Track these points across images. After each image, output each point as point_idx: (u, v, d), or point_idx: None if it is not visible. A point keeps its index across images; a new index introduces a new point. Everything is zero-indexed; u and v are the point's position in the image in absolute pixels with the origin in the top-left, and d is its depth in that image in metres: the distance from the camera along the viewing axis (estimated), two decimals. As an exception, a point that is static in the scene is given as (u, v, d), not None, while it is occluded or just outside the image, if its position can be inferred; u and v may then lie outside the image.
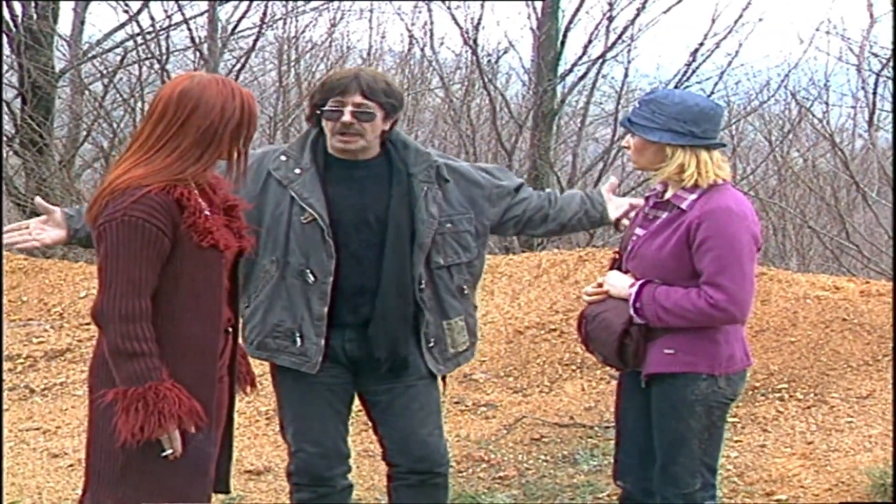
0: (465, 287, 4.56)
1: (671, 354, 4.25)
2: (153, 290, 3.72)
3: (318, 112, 4.39)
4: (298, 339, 4.46)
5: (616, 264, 4.51)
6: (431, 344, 4.48)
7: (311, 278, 4.40)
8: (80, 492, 4.12)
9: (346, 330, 4.46)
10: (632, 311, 4.26)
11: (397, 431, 4.59)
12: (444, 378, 4.64)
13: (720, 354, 4.29)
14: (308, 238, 4.37)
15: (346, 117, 4.31)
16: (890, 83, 13.67)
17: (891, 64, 13.43)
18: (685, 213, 4.26)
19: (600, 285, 4.49)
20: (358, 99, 4.31)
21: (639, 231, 4.44)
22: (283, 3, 14.84)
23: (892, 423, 6.40)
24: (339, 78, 4.43)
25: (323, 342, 4.43)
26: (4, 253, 9.97)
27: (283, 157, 4.46)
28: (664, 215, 4.36)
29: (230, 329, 4.00)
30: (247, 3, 14.04)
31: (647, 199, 4.60)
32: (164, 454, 3.74)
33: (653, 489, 4.53)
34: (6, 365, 8.24)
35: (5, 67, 14.50)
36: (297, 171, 4.41)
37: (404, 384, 4.52)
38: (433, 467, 4.61)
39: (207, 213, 3.85)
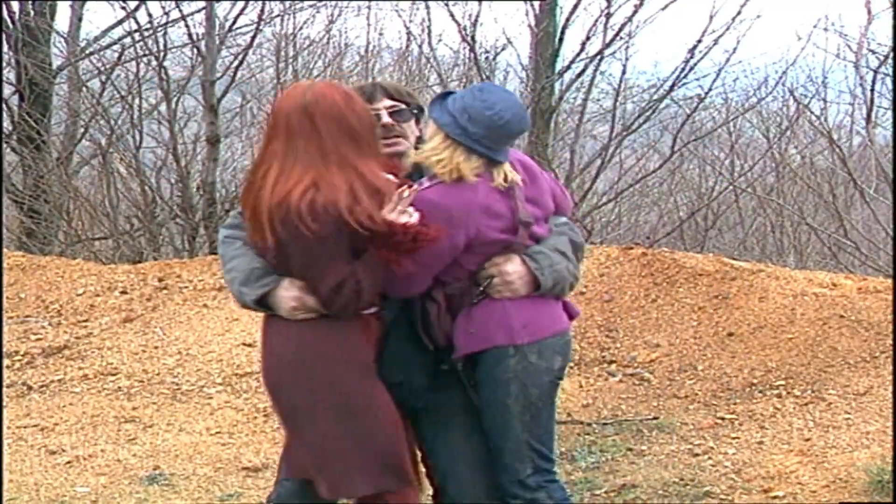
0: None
1: (472, 334, 4.25)
2: None
3: None
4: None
5: None
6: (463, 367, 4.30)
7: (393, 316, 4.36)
8: (78, 489, 4.15)
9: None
10: None
11: (437, 471, 4.38)
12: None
13: (514, 324, 4.29)
14: None
15: (386, 119, 4.25)
16: (888, 80, 13.66)
17: (889, 61, 13.42)
18: None
19: None
20: (388, 102, 4.28)
21: None
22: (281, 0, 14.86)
23: (889, 420, 6.41)
24: (359, 87, 4.35)
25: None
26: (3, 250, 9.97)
27: None
28: None
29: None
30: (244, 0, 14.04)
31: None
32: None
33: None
34: (3, 362, 8.25)
35: (3, 64, 14.52)
36: None
37: (441, 419, 4.34)
38: None
39: None
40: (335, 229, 3.79)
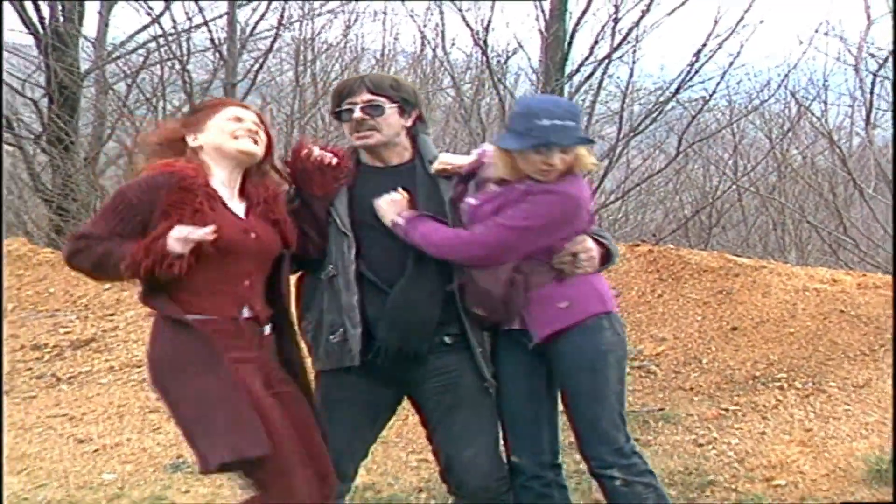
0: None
1: (565, 308, 4.30)
2: None
3: (338, 119, 4.44)
4: (343, 332, 4.42)
5: None
6: (481, 349, 4.33)
7: (333, 273, 4.37)
8: (104, 475, 4.17)
9: (378, 322, 4.32)
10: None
11: (444, 454, 4.42)
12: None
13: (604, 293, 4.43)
14: (335, 237, 4.37)
15: (357, 114, 4.31)
16: (887, 83, 13.63)
17: (889, 63, 13.40)
18: None
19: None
20: (366, 97, 4.33)
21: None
22: (300, 5, 14.87)
23: (887, 412, 6.40)
24: (346, 81, 4.50)
25: (360, 331, 4.35)
26: (32, 246, 9.99)
27: None
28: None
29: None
30: (265, 5, 14.06)
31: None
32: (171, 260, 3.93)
33: (549, 461, 4.54)
34: (34, 354, 8.27)
35: (33, 68, 14.54)
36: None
37: (452, 398, 4.35)
38: (478, 492, 4.36)
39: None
40: None
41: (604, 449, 4.40)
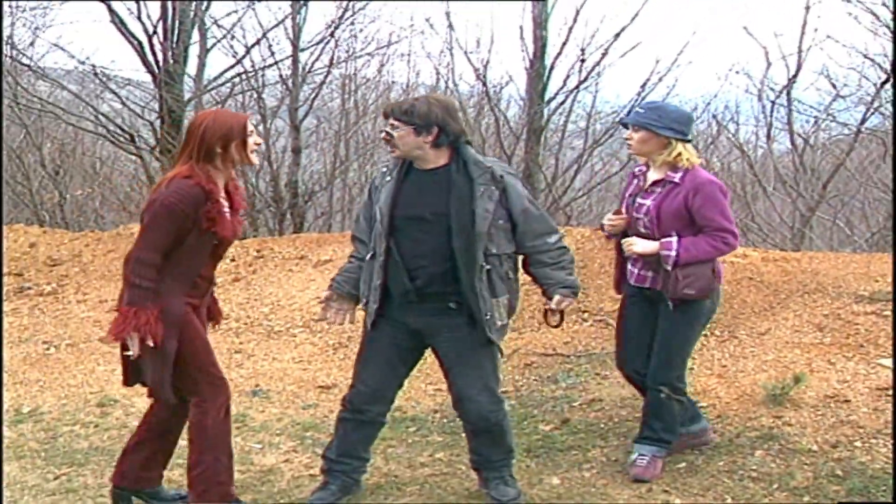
0: (510, 272, 4.37)
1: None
2: (165, 249, 3.99)
3: None
4: (367, 302, 4.45)
5: (624, 218, 4.79)
6: (488, 316, 4.27)
7: (371, 256, 4.39)
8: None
9: (404, 298, 4.33)
10: (672, 256, 4.51)
11: (454, 390, 4.45)
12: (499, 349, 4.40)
13: (715, 279, 4.64)
14: (377, 229, 4.35)
15: (383, 135, 4.33)
16: (782, 109, 13.64)
17: (784, 95, 13.43)
18: (678, 186, 4.57)
19: (618, 212, 4.83)
20: (390, 120, 4.30)
21: (641, 201, 4.70)
22: (346, 49, 14.82)
23: (782, 352, 6.39)
24: (384, 108, 4.48)
25: (375, 306, 4.37)
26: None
27: (383, 170, 4.48)
28: (660, 189, 4.63)
29: (211, 283, 4.30)
30: (320, 48, 14.05)
31: (635, 175, 4.87)
32: (126, 353, 4.03)
33: (641, 373, 4.85)
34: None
35: (149, 98, 14.52)
36: (388, 178, 4.39)
37: (460, 350, 4.35)
38: (479, 420, 4.44)
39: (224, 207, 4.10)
40: None
41: (671, 375, 4.78)
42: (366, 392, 4.52)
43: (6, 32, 12.68)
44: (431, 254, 4.25)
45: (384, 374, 4.50)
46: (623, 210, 4.81)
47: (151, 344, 3.94)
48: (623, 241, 4.74)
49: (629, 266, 4.84)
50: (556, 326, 4.55)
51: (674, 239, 4.53)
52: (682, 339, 4.71)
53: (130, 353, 3.98)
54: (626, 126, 4.78)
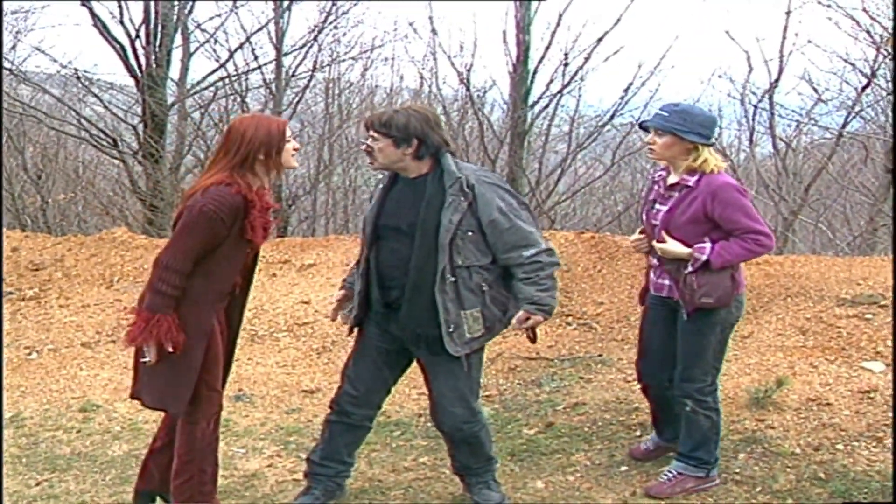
0: (484, 284, 4.22)
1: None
2: (197, 257, 3.90)
3: None
4: (351, 308, 4.46)
5: (646, 236, 4.61)
6: (451, 329, 4.20)
7: (357, 262, 4.41)
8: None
9: (383, 308, 4.33)
10: (702, 259, 4.34)
11: (432, 400, 4.46)
12: (467, 356, 4.28)
13: (734, 288, 4.43)
14: (362, 236, 4.39)
15: (364, 146, 4.30)
16: (765, 113, 13.71)
17: (765, 99, 13.48)
18: (694, 190, 4.39)
19: (643, 231, 4.65)
20: (370, 132, 4.26)
21: (660, 206, 4.54)
22: (329, 53, 14.82)
23: (765, 355, 6.40)
24: (365, 119, 4.48)
25: (357, 312, 4.38)
26: (131, 234, 9.96)
27: (380, 176, 4.49)
28: (676, 194, 4.47)
29: (236, 290, 4.17)
30: (303, 52, 14.05)
31: (654, 181, 4.68)
32: (143, 360, 3.95)
33: (665, 385, 4.73)
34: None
35: (132, 102, 14.48)
36: (381, 186, 4.40)
37: (436, 361, 4.33)
38: (454, 431, 4.43)
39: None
40: None
41: (689, 387, 4.63)
42: (352, 394, 4.52)
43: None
44: (405, 265, 4.21)
45: (371, 378, 4.50)
46: (643, 216, 4.65)
47: (170, 349, 3.89)
48: (653, 243, 4.52)
49: (651, 275, 4.68)
50: (531, 342, 4.44)
51: (707, 244, 4.34)
52: (698, 350, 4.51)
53: (146, 359, 3.93)
54: (645, 129, 4.54)
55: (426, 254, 4.15)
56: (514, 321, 4.29)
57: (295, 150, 4.10)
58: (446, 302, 4.16)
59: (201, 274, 3.93)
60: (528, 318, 4.24)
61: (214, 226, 3.85)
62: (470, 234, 4.15)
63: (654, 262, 4.62)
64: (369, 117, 4.33)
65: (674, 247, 4.42)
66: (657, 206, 4.55)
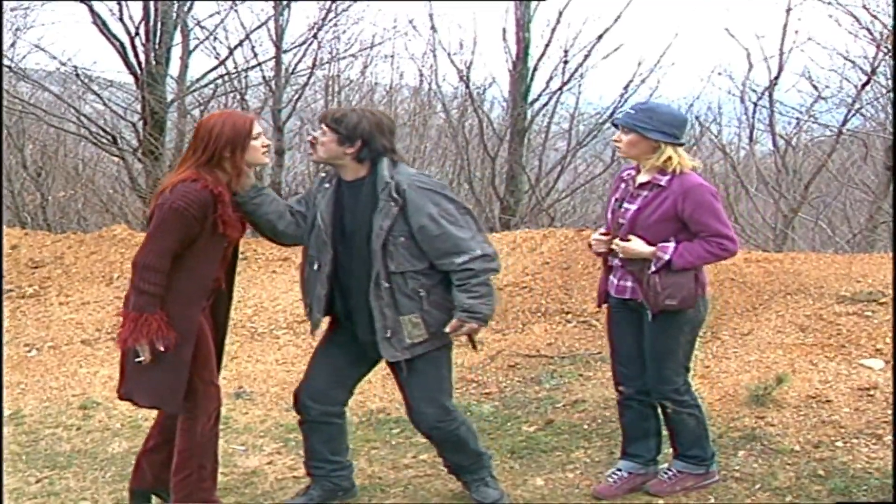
0: (421, 290, 4.18)
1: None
2: (173, 254, 3.94)
3: None
4: (310, 311, 4.41)
5: (612, 235, 4.52)
6: (389, 335, 4.19)
7: (317, 267, 4.32)
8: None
9: (342, 313, 4.35)
10: (664, 258, 4.31)
11: (405, 402, 4.45)
12: (408, 361, 4.25)
13: (697, 289, 4.40)
14: (318, 237, 4.29)
15: (310, 137, 4.26)
16: (764, 110, 13.72)
17: (765, 96, 13.49)
18: (665, 189, 4.35)
19: (607, 230, 4.56)
20: (321, 125, 4.23)
21: (628, 205, 4.47)
22: (329, 50, 14.80)
23: (765, 353, 6.41)
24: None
25: (320, 316, 4.35)
26: (131, 231, 9.96)
27: (322, 175, 4.41)
28: (646, 193, 4.41)
29: (221, 286, 4.22)
30: (303, 49, 14.02)
31: (623, 179, 4.62)
32: (137, 359, 3.96)
33: (647, 389, 4.61)
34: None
35: (132, 99, 14.47)
36: (326, 185, 4.32)
37: (402, 364, 4.32)
38: (430, 431, 4.43)
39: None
40: None
41: (664, 387, 4.57)
42: (307, 388, 4.51)
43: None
44: (355, 270, 4.23)
45: (329, 374, 4.48)
46: (608, 215, 4.61)
47: (162, 348, 3.90)
48: (616, 241, 4.48)
49: (611, 277, 4.62)
50: (473, 349, 4.44)
51: (671, 244, 4.33)
52: (666, 351, 4.48)
53: (140, 359, 3.93)
54: (616, 126, 4.56)
55: (360, 260, 4.16)
56: (447, 329, 4.22)
57: (264, 146, 4.12)
58: (383, 308, 4.15)
59: (182, 271, 3.96)
60: (460, 326, 4.20)
61: (186, 221, 3.90)
62: (402, 239, 4.12)
63: (616, 263, 4.54)
64: (326, 111, 4.34)
65: (637, 245, 4.39)
66: (625, 204, 4.50)
